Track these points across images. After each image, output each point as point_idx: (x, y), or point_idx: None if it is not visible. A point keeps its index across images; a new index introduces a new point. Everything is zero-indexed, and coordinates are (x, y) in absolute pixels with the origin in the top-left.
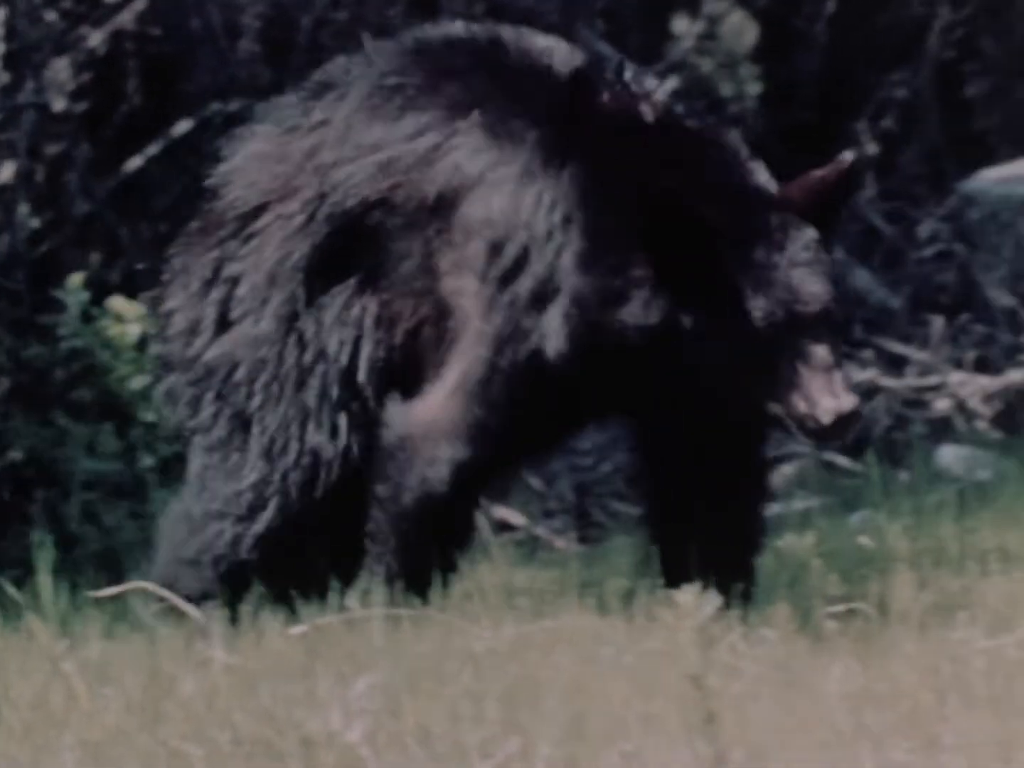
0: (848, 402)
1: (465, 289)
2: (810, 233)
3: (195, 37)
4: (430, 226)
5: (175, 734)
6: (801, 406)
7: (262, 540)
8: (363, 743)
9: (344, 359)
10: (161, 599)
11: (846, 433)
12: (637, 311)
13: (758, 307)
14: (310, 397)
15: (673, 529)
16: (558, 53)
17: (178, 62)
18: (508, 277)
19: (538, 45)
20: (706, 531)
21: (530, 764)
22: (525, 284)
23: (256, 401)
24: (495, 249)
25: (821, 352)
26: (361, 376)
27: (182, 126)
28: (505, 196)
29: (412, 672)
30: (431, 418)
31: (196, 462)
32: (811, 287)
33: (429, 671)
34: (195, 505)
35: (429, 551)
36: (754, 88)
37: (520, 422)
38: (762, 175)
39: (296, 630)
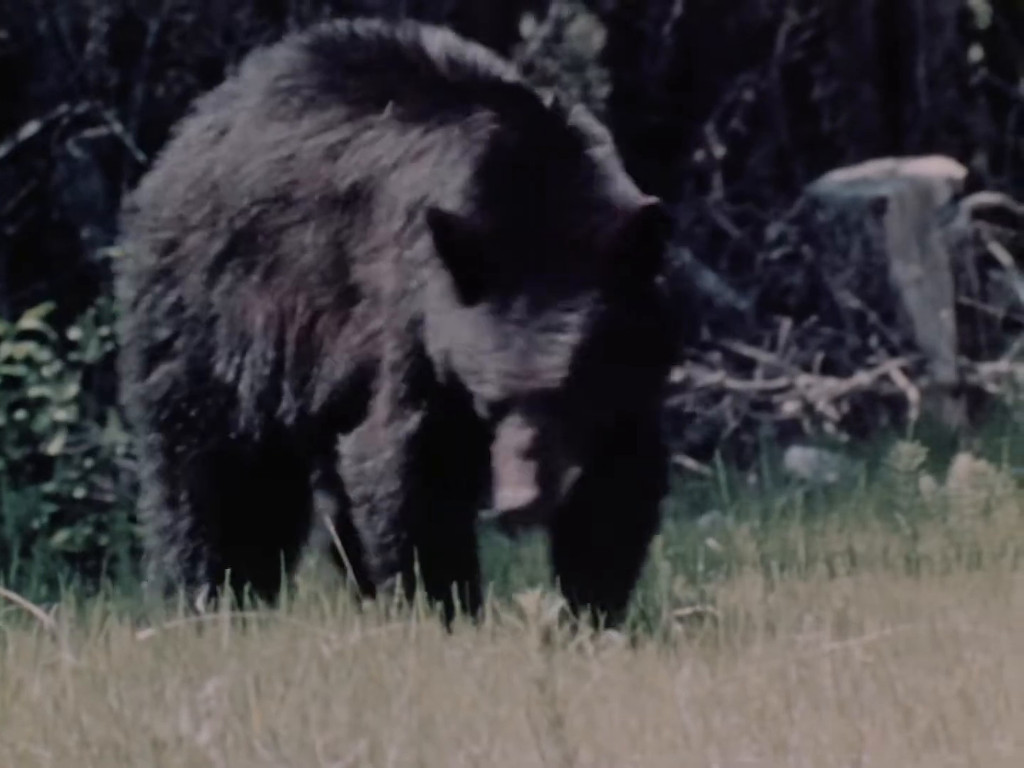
0: (519, 500)
1: (383, 269)
2: (581, 299)
3: (42, 39)
4: (339, 219)
5: (23, 736)
6: (495, 484)
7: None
8: (211, 745)
9: (231, 376)
10: (9, 601)
11: (520, 526)
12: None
13: (489, 367)
14: (210, 436)
15: (567, 536)
16: (452, 43)
17: (25, 64)
18: (415, 234)
19: (430, 37)
20: (599, 532)
21: (378, 766)
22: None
23: (168, 438)
24: (411, 212)
25: (522, 436)
26: (242, 388)
27: (29, 128)
28: (426, 167)
29: (260, 675)
30: (378, 422)
31: (144, 485)
32: (535, 362)
33: (276, 674)
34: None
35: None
36: (602, 91)
37: (435, 379)
38: (592, 218)
39: (144, 633)
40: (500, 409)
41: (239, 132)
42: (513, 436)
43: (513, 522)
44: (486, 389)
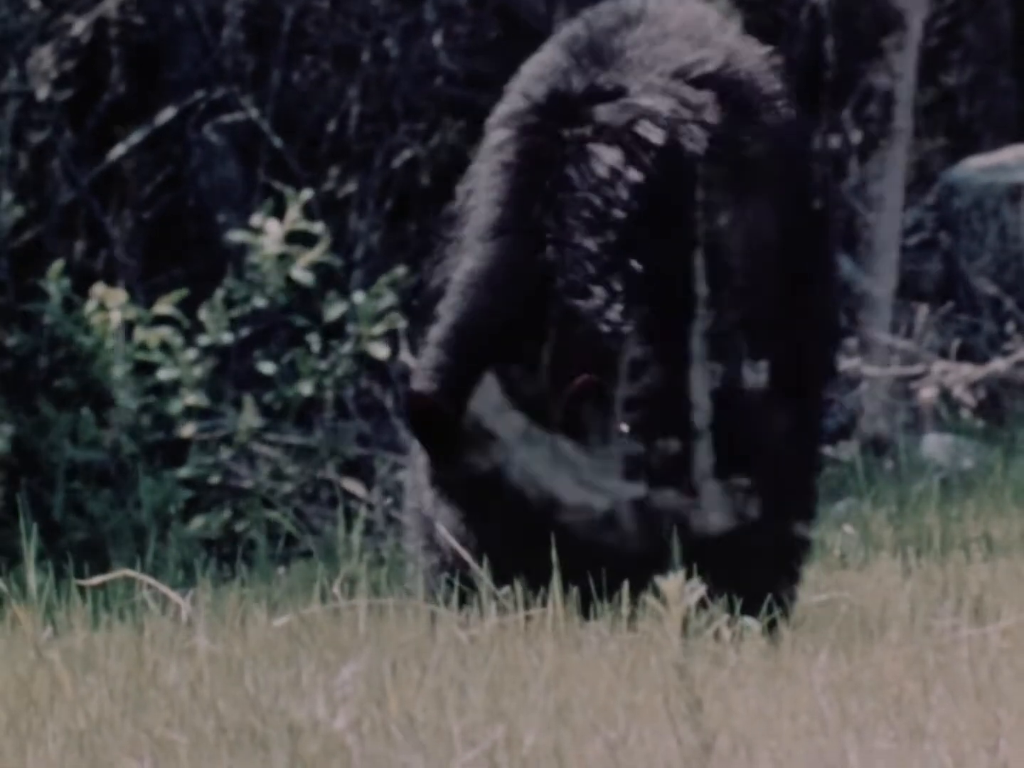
0: None
1: None
2: None
3: (179, 25)
4: None
5: (159, 722)
6: None
7: None
8: (348, 731)
9: None
10: (145, 586)
11: None
12: None
13: None
14: None
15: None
16: None
17: (162, 50)
18: None
19: None
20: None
21: (515, 752)
22: None
23: None
24: None
25: None
26: None
27: (166, 114)
28: None
29: (396, 660)
30: None
31: None
32: None
33: (413, 659)
34: None
35: None
36: None
37: None
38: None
39: (280, 620)
40: None
41: None
42: None
43: None
44: None
